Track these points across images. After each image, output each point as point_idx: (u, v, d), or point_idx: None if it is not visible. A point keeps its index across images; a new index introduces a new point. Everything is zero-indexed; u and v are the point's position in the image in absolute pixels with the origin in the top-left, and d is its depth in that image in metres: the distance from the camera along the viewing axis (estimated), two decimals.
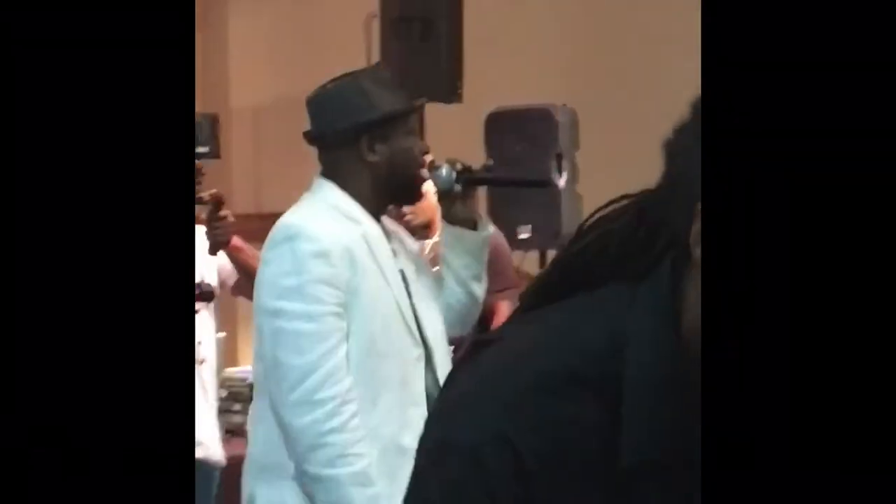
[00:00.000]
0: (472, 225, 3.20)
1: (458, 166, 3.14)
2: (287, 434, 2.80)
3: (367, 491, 2.76)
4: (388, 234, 3.05)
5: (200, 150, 3.87)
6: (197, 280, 3.64)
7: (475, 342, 1.41)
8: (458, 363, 1.41)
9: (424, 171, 3.08)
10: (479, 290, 3.23)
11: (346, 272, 2.84)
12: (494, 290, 4.86)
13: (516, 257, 6.72)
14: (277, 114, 7.62)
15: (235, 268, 3.89)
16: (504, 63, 7.71)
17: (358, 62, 7.49)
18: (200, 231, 3.84)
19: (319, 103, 3.06)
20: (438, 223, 5.00)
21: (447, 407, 1.38)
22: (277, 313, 2.81)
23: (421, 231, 4.92)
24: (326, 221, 2.90)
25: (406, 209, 4.75)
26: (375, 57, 7.01)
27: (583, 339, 1.36)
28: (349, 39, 7.38)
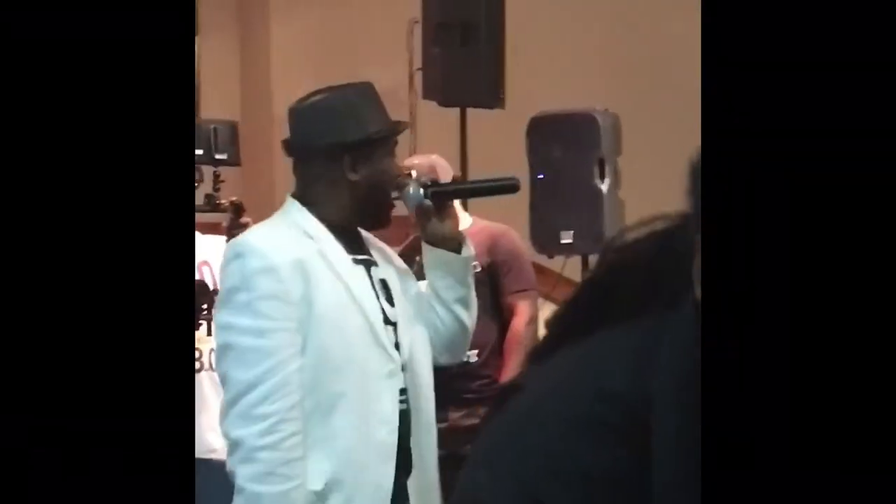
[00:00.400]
0: (454, 245, 3.09)
1: (425, 180, 3.07)
2: (227, 444, 2.81)
3: None
4: (364, 244, 3.01)
5: (219, 156, 3.87)
6: (212, 287, 3.65)
7: (501, 390, 1.38)
8: (487, 416, 1.39)
9: (394, 193, 3.03)
10: (466, 316, 3.12)
11: (298, 286, 2.81)
12: (514, 290, 4.86)
13: (558, 262, 6.71)
14: None
15: None
16: (546, 67, 7.70)
17: (400, 68, 7.51)
18: (220, 239, 3.85)
19: (305, 115, 3.01)
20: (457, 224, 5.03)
21: (476, 462, 1.37)
22: (228, 328, 2.82)
23: None
24: (279, 238, 2.88)
25: None
26: (417, 62, 7.02)
27: (606, 382, 1.33)
28: (391, 45, 7.39)
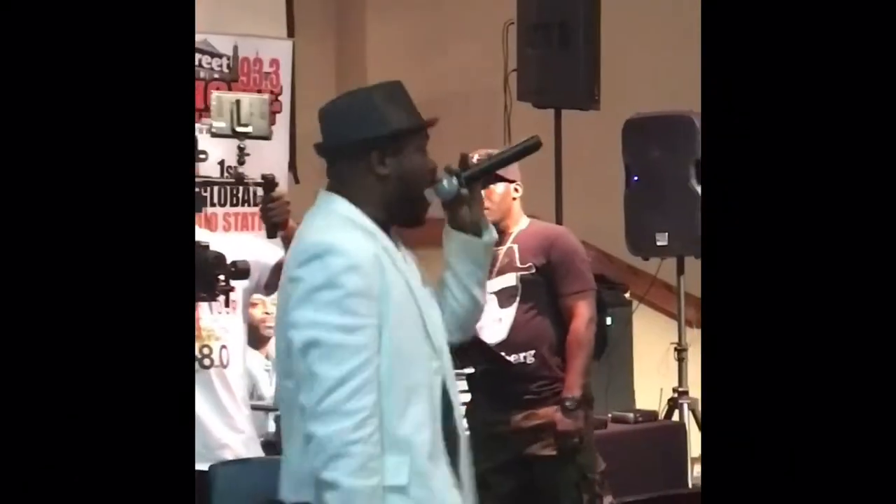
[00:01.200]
0: (478, 230, 3.14)
1: (456, 170, 3.11)
2: (311, 442, 2.84)
3: None
4: (399, 245, 3.06)
5: (240, 129, 3.83)
6: (230, 260, 3.62)
7: None
8: None
9: (429, 191, 3.04)
10: (481, 295, 3.22)
11: (378, 283, 2.87)
12: (572, 291, 4.84)
13: (653, 264, 6.67)
14: None
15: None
16: (641, 68, 7.66)
17: (495, 69, 7.51)
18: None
19: (332, 116, 3.05)
20: (514, 223, 4.96)
21: None
22: (314, 325, 2.84)
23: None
24: (349, 235, 2.92)
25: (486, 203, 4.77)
26: (512, 64, 7.02)
27: None
28: (487, 46, 7.39)
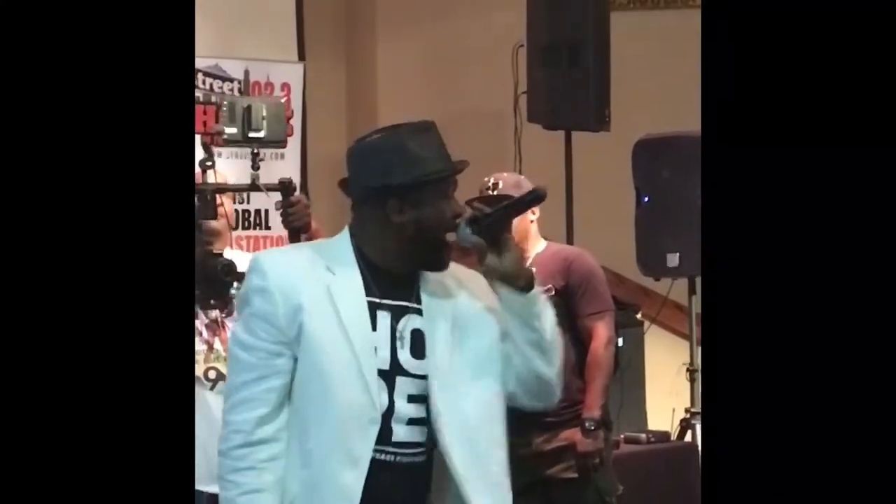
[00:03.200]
0: (520, 283, 2.91)
1: (472, 216, 2.96)
2: None
3: None
4: (413, 290, 2.92)
5: (253, 135, 3.80)
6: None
7: None
8: None
9: (451, 235, 2.94)
10: (541, 363, 2.94)
11: (286, 314, 2.86)
12: (590, 312, 4.84)
13: (664, 284, 6.67)
14: None
15: None
16: (650, 89, 7.68)
17: (505, 90, 7.53)
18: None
19: (356, 156, 2.98)
20: (531, 246, 4.91)
21: None
22: (231, 335, 2.99)
23: None
24: (291, 263, 2.92)
25: None
26: (523, 86, 7.03)
27: None
28: (497, 68, 7.41)
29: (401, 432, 2.90)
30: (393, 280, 2.93)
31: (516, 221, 4.95)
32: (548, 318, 2.98)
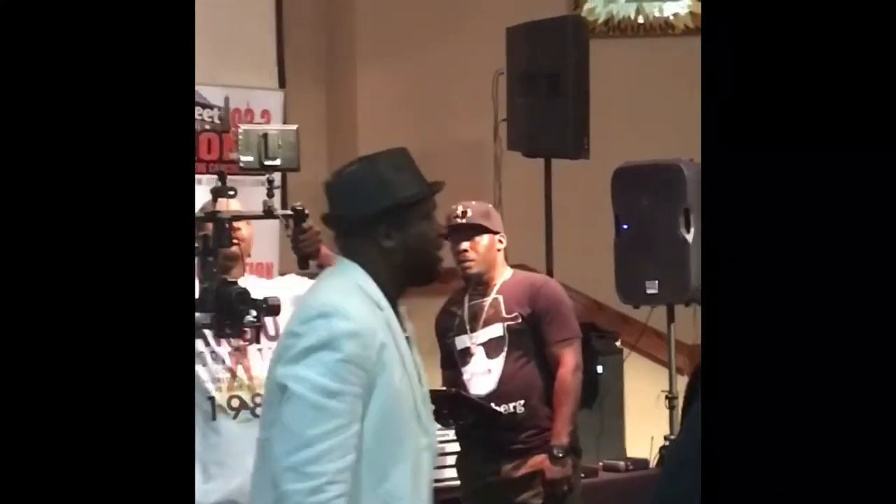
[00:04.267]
0: None
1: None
2: (277, 492, 2.86)
3: None
4: (403, 321, 3.05)
5: (269, 162, 3.82)
6: (261, 297, 3.64)
7: None
8: None
9: (440, 253, 3.08)
10: None
11: (374, 355, 2.89)
12: (557, 340, 4.86)
13: (643, 312, 6.68)
14: None
15: None
16: (629, 117, 7.70)
17: (485, 118, 7.54)
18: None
19: (336, 189, 3.06)
20: (498, 274, 5.02)
21: None
22: (300, 381, 2.86)
23: (476, 283, 4.93)
24: (357, 303, 2.93)
25: (464, 248, 4.76)
26: (502, 113, 7.05)
27: None
28: (476, 97, 7.43)
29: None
30: (396, 308, 3.02)
31: (483, 249, 4.99)
32: None
